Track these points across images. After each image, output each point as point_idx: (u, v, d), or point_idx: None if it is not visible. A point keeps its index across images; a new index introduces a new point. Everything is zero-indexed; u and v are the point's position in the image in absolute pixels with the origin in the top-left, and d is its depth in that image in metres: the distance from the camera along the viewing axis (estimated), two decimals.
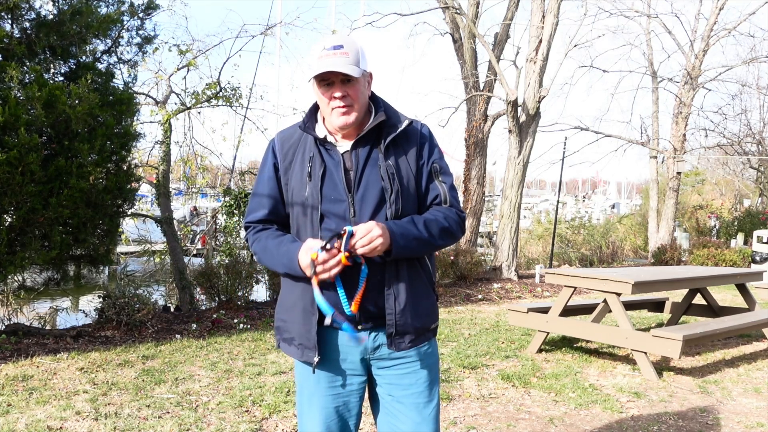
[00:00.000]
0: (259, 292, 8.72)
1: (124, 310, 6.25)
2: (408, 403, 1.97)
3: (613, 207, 40.00)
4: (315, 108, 2.02)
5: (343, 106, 1.87)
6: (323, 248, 1.80)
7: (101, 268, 7.29)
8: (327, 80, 1.87)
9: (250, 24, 29.03)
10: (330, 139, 1.95)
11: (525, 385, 4.66)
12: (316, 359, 1.92)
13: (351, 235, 1.79)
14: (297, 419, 2.11)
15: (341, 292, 1.86)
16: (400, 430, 1.97)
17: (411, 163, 1.94)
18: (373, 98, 2.00)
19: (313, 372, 1.96)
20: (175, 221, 8.80)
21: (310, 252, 1.81)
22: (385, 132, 1.94)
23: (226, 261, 7.97)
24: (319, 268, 1.80)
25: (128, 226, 10.19)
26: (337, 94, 1.86)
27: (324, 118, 1.98)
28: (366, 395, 2.06)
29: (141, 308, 6.40)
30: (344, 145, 1.94)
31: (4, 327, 6.09)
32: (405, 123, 1.96)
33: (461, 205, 2.10)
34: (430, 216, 1.93)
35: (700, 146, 21.53)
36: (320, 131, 1.96)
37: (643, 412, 4.20)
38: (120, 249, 10.67)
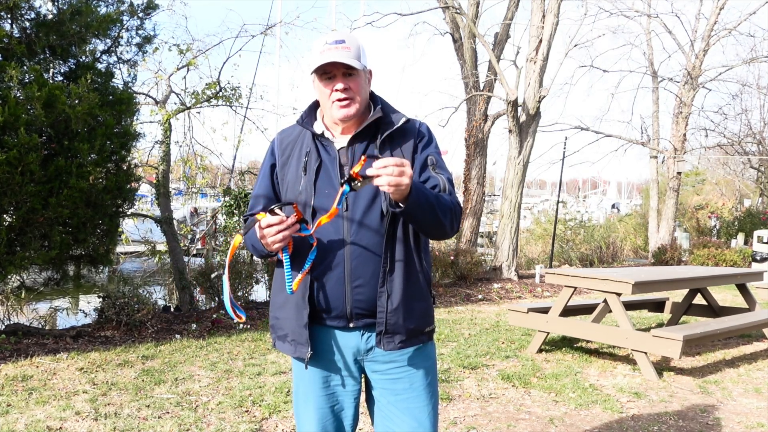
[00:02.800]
0: (259, 292, 8.71)
1: (124, 310, 6.25)
2: (402, 408, 1.96)
3: (613, 206, 39.96)
4: (314, 105, 2.04)
5: (344, 99, 1.88)
6: (270, 211, 1.78)
7: (101, 268, 7.28)
8: (329, 73, 1.89)
9: (250, 24, 29.04)
10: (327, 134, 1.97)
11: (525, 385, 4.65)
12: (308, 354, 1.92)
13: (373, 159, 1.67)
14: (294, 419, 2.11)
15: (287, 269, 1.85)
16: None
17: (407, 158, 1.93)
18: (372, 96, 2.01)
19: (306, 368, 1.96)
20: (174, 221, 8.80)
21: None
22: (382, 128, 1.95)
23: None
24: (264, 231, 1.79)
25: (128, 226, 10.18)
26: (339, 86, 1.87)
27: (323, 116, 1.99)
28: (363, 396, 2.06)
29: (141, 308, 6.40)
30: (341, 141, 1.96)
31: (4, 327, 6.09)
32: (402, 120, 1.97)
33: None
34: (442, 194, 1.87)
35: (700, 146, 21.53)
36: (318, 127, 1.98)
37: (643, 412, 4.19)
38: (120, 249, 10.66)
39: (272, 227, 1.77)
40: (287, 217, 1.78)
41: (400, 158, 1.68)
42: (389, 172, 1.63)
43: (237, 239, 1.91)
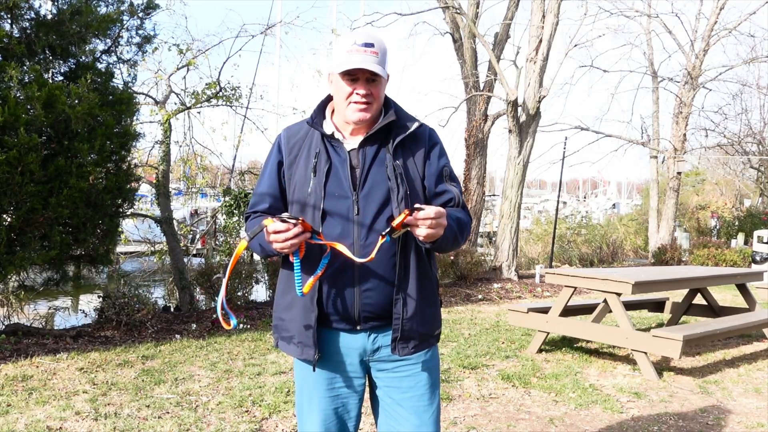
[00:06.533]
0: (259, 292, 8.72)
1: (124, 310, 6.25)
2: (407, 407, 1.97)
3: (613, 207, 39.95)
4: (323, 104, 2.01)
5: (363, 103, 1.87)
6: (280, 218, 1.76)
7: (101, 268, 7.28)
8: (352, 75, 1.86)
9: (249, 24, 29.03)
10: (337, 135, 1.94)
11: (525, 385, 4.65)
12: (315, 357, 1.91)
13: (414, 210, 1.72)
14: (297, 420, 2.10)
15: (297, 272, 1.82)
16: None
17: (418, 165, 1.94)
18: (385, 99, 2.00)
19: (314, 370, 1.95)
20: (174, 221, 8.79)
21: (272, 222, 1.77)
22: (394, 132, 1.93)
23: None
24: (271, 237, 1.76)
25: (128, 226, 10.18)
26: (361, 91, 1.86)
27: (332, 113, 1.97)
28: (366, 396, 2.06)
29: (141, 308, 6.40)
30: (351, 143, 1.93)
31: (4, 327, 6.09)
32: (415, 125, 1.96)
33: None
34: (459, 215, 1.93)
35: (700, 146, 21.55)
36: (328, 127, 1.95)
37: (643, 412, 4.19)
38: (120, 249, 10.66)
39: (280, 234, 1.75)
40: (293, 225, 1.75)
41: (439, 209, 1.73)
42: (428, 225, 1.71)
43: (241, 245, 1.87)
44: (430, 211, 1.70)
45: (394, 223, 1.72)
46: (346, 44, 1.84)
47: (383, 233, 1.75)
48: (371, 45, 1.84)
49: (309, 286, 1.83)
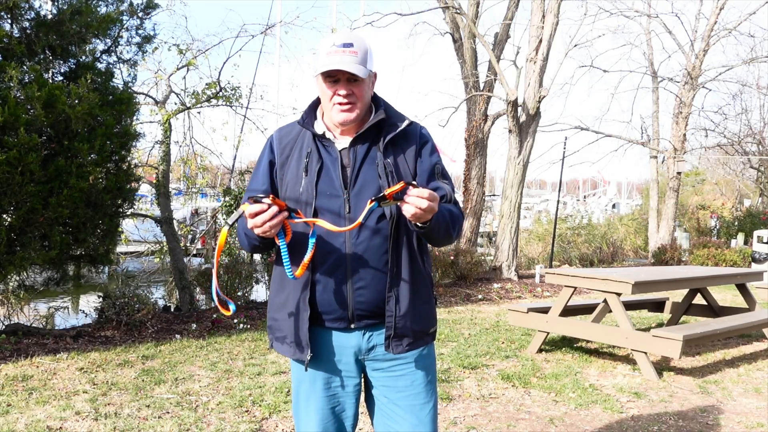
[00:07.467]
0: (259, 292, 8.72)
1: (124, 310, 6.26)
2: (404, 406, 1.96)
3: (613, 207, 39.93)
4: (314, 104, 2.02)
5: (346, 103, 1.87)
6: (252, 198, 1.73)
7: (101, 268, 7.28)
8: (333, 77, 1.87)
9: (249, 24, 29.00)
10: (328, 135, 1.95)
11: (525, 385, 4.65)
12: (308, 357, 1.91)
13: (408, 186, 1.69)
14: (293, 420, 2.10)
15: (284, 255, 1.81)
16: None
17: (409, 163, 1.94)
18: (374, 98, 2.00)
19: (306, 370, 1.95)
20: (175, 221, 8.79)
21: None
22: (385, 131, 1.94)
23: (226, 261, 7.97)
24: (249, 222, 1.74)
25: (128, 226, 10.18)
26: (342, 91, 1.86)
27: (323, 114, 1.97)
28: (362, 396, 2.06)
29: (141, 308, 6.40)
30: (342, 142, 1.94)
31: (4, 327, 6.09)
32: (405, 123, 1.96)
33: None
34: (451, 208, 1.92)
35: (700, 146, 21.54)
36: (319, 127, 1.96)
37: (643, 412, 4.19)
38: (120, 249, 10.65)
39: (258, 217, 1.72)
40: (268, 206, 1.73)
41: (433, 192, 1.71)
42: (418, 204, 1.67)
43: (223, 234, 1.86)
44: (424, 191, 1.68)
45: (387, 191, 1.70)
46: (326, 46, 1.85)
47: (373, 198, 1.73)
48: (350, 45, 1.83)
49: (302, 269, 1.81)
